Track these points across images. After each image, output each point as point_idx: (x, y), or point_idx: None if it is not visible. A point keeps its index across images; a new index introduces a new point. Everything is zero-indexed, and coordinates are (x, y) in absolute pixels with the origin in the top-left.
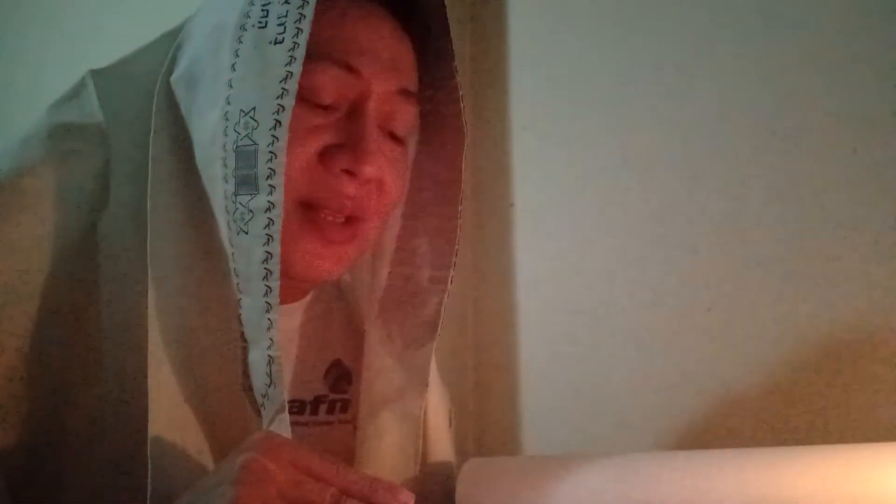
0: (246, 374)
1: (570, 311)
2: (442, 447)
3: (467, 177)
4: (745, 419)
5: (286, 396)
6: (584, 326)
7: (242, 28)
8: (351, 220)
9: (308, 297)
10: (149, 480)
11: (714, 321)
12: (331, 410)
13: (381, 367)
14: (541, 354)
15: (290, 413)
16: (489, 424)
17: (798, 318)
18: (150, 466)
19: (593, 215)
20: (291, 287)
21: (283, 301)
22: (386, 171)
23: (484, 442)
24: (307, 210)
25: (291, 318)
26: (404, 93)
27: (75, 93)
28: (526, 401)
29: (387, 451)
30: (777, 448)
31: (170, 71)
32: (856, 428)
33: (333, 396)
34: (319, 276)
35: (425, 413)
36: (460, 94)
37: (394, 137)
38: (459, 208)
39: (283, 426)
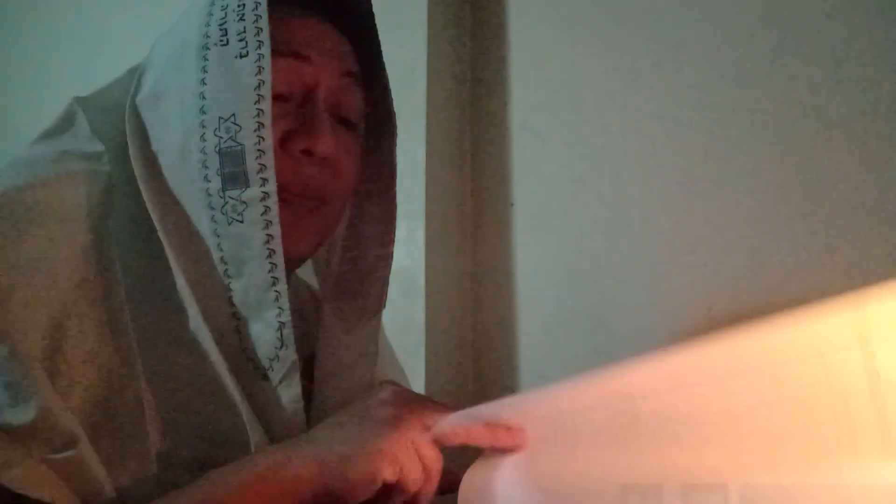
0: (243, 349)
1: (570, 311)
2: None
3: (465, 176)
4: None
5: (296, 357)
6: (584, 326)
7: (205, 48)
8: (313, 201)
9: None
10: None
11: (714, 321)
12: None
13: (335, 344)
14: (541, 354)
15: None
16: None
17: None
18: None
19: (593, 215)
20: None
21: None
22: (340, 154)
23: None
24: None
25: None
26: (349, 75)
27: (68, 123)
28: None
29: None
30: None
31: (135, 94)
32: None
33: (311, 387)
34: (290, 252)
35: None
36: (389, 89)
37: (345, 123)
38: (394, 192)
39: (293, 384)
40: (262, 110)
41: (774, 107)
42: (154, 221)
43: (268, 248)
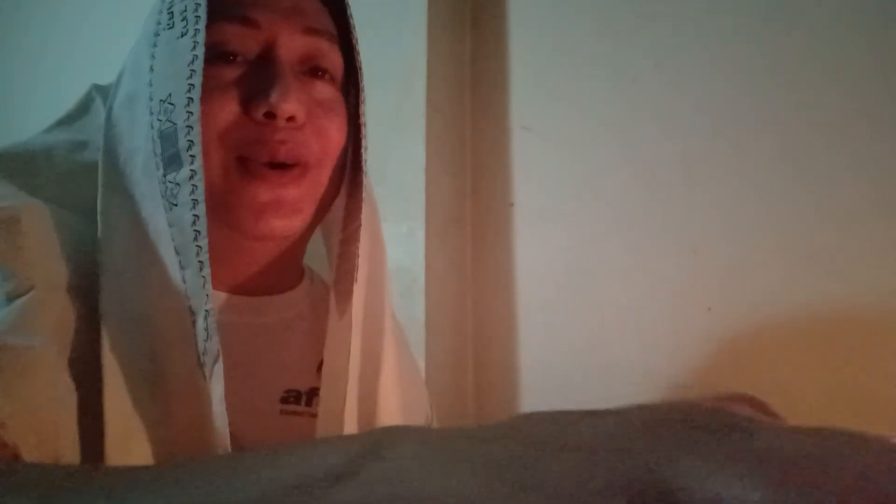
0: (198, 350)
1: (570, 310)
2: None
3: (465, 176)
4: None
5: (219, 346)
6: (584, 326)
7: (156, 35)
8: (295, 167)
9: (301, 287)
10: (104, 448)
11: (714, 321)
12: None
13: (336, 337)
14: (541, 354)
15: (287, 402)
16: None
17: (798, 317)
18: (105, 438)
19: (593, 215)
20: (265, 254)
21: (276, 291)
22: (318, 111)
23: None
24: (246, 162)
25: (287, 308)
26: (312, 31)
27: (85, 108)
28: (526, 401)
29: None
30: None
31: (114, 97)
32: (859, 425)
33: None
34: (275, 229)
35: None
36: (358, 49)
37: (321, 77)
38: (362, 158)
39: (218, 375)
40: (192, 85)
41: (775, 107)
42: (121, 221)
43: (194, 230)
